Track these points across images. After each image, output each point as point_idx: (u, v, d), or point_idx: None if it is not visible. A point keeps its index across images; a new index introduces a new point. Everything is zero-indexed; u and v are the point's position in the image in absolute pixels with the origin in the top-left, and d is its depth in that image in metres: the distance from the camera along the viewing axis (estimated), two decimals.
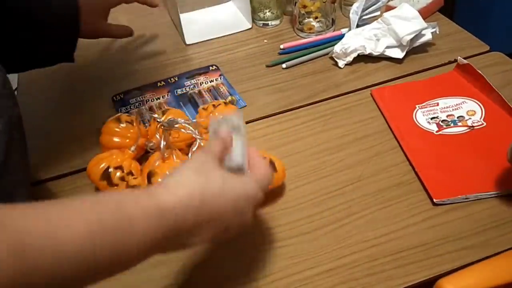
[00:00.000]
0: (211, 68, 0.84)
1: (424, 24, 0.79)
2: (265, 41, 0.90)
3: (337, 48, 0.80)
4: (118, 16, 0.89)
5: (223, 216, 0.43)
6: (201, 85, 0.80)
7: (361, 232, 0.56)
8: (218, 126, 0.50)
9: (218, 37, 0.93)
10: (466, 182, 0.59)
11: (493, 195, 0.58)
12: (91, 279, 0.35)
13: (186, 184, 0.41)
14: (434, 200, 0.57)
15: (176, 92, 0.80)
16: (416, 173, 0.61)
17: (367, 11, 0.85)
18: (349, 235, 0.56)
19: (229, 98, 0.77)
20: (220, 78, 0.82)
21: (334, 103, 0.74)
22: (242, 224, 0.45)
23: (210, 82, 0.81)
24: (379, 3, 0.86)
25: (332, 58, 0.83)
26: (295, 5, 0.87)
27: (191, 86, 0.80)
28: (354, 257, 0.53)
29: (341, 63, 0.81)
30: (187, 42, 0.92)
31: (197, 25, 0.96)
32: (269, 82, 0.80)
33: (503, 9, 1.52)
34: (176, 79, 0.83)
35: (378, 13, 0.87)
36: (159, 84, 0.82)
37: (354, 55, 0.80)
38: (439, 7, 0.93)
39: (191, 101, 0.77)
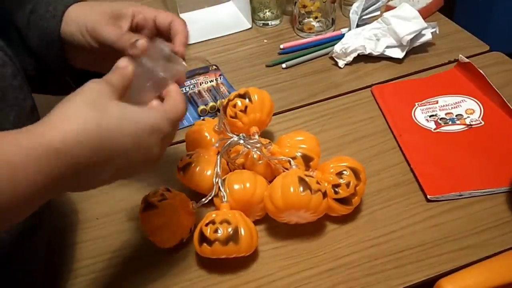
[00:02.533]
0: (211, 68, 0.84)
1: (424, 24, 0.79)
2: (265, 41, 0.90)
3: (337, 48, 0.80)
4: None
5: (124, 152, 0.39)
6: (200, 85, 0.80)
7: (361, 232, 0.56)
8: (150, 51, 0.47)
9: (218, 37, 0.92)
10: (461, 180, 0.59)
11: (486, 193, 0.58)
12: None
13: (77, 117, 0.37)
14: (428, 196, 0.58)
15: None
16: (411, 169, 0.61)
17: (367, 11, 0.85)
18: (349, 235, 0.56)
19: None
20: (220, 78, 0.82)
21: (334, 103, 0.74)
22: (148, 160, 0.42)
23: (210, 82, 0.81)
24: (379, 3, 0.86)
25: (332, 58, 0.83)
26: (295, 5, 0.87)
27: (191, 86, 0.80)
28: (354, 257, 0.53)
29: (341, 63, 0.81)
30: (187, 42, 0.91)
31: (197, 25, 0.95)
32: (269, 82, 0.80)
33: (503, 9, 1.52)
34: None
35: (378, 13, 0.87)
36: None
37: (354, 55, 0.80)
38: (439, 7, 0.92)
39: (191, 101, 0.77)
